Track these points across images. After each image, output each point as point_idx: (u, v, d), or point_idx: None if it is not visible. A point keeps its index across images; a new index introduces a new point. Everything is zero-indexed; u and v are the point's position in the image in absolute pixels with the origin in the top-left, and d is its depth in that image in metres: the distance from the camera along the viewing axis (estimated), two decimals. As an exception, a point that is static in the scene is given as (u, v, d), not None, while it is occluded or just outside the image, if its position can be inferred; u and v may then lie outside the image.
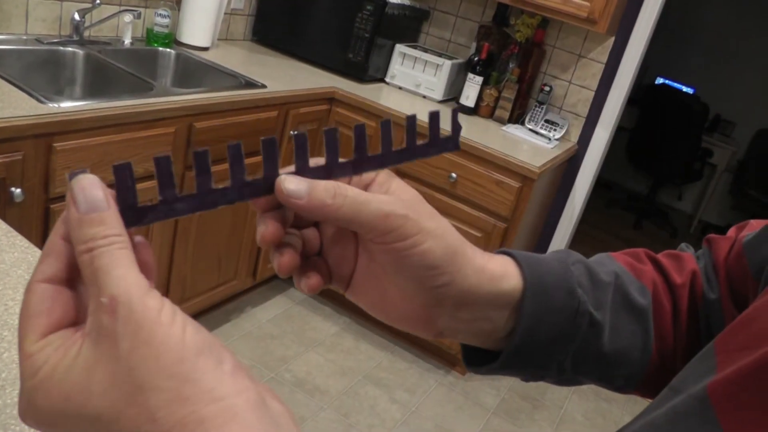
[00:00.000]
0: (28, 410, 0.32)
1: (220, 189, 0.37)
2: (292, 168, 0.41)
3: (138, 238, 0.35)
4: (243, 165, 0.38)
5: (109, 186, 0.34)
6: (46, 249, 0.33)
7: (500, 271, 0.48)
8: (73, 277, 0.34)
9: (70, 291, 0.34)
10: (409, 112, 0.44)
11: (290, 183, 0.39)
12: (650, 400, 0.50)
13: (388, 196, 0.43)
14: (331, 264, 0.47)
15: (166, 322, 0.30)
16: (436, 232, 0.43)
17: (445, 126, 0.42)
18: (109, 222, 0.32)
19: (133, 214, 0.35)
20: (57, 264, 0.33)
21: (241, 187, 0.38)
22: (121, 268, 0.31)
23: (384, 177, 0.44)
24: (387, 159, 0.44)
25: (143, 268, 0.34)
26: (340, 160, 0.42)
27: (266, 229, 0.41)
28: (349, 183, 0.42)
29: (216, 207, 0.38)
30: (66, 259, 0.33)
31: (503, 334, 0.50)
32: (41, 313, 0.32)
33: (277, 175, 0.39)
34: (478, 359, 0.54)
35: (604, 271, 0.54)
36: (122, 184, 0.34)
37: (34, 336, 0.32)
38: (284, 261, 0.43)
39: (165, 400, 0.29)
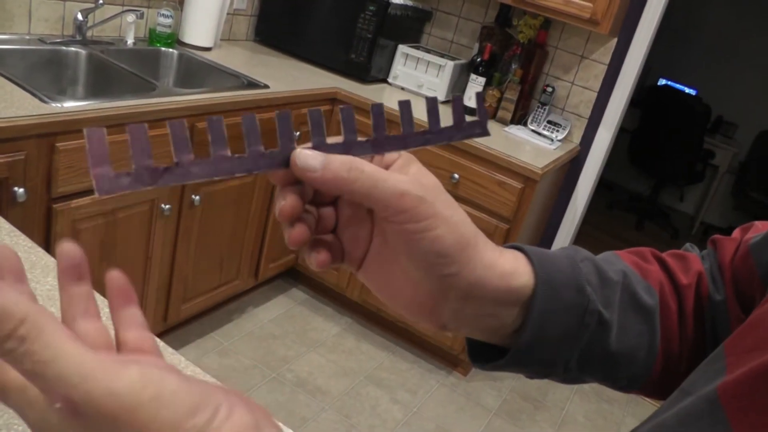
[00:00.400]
0: None
1: (236, 157, 0.38)
2: (310, 144, 0.41)
3: (112, 274, 0.36)
4: (258, 135, 0.39)
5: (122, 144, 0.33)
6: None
7: (510, 268, 0.47)
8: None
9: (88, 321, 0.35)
10: (413, 113, 0.44)
11: (305, 156, 0.40)
12: (651, 401, 0.50)
13: (405, 176, 0.42)
14: (344, 243, 0.47)
15: (147, 397, 0.28)
16: (451, 220, 0.43)
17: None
18: (7, 312, 0.27)
19: (148, 175, 0.35)
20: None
21: (256, 157, 0.39)
22: (56, 361, 0.27)
23: (405, 160, 0.44)
24: (409, 140, 0.44)
25: (117, 293, 0.36)
26: (359, 138, 0.42)
27: (285, 203, 0.42)
28: (369, 162, 0.42)
29: (232, 174, 0.38)
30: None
31: (510, 330, 0.50)
32: None
33: (294, 147, 0.40)
34: (484, 355, 0.53)
35: (612, 270, 0.54)
36: (137, 144, 0.35)
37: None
38: (294, 233, 0.43)
39: None
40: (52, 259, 0.97)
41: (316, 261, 0.45)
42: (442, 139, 0.44)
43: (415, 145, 0.43)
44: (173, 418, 0.28)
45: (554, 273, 0.49)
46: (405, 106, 0.43)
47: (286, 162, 0.40)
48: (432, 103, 0.44)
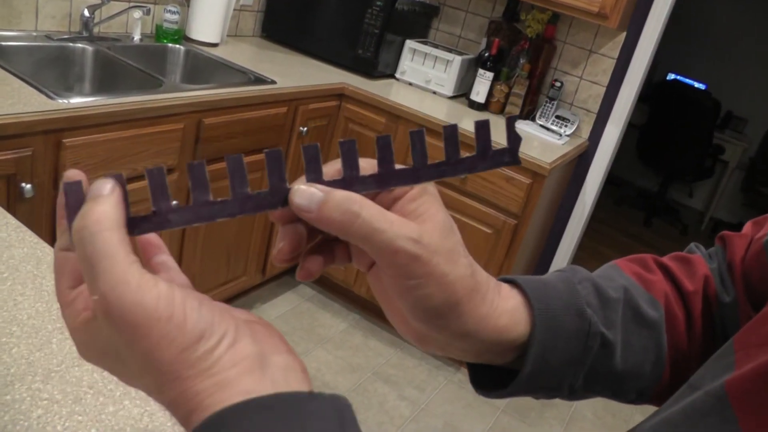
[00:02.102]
0: (80, 350, 0.36)
1: (218, 202, 0.36)
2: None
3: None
4: (244, 177, 0.37)
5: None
6: (60, 227, 0.36)
7: (505, 322, 0.45)
8: None
9: None
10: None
11: (300, 196, 0.37)
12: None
13: (408, 224, 0.39)
14: (352, 250, 0.45)
15: (164, 315, 0.31)
16: (444, 279, 0.40)
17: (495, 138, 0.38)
18: (89, 209, 0.33)
19: (125, 224, 0.34)
20: (69, 238, 0.35)
21: (242, 200, 0.37)
22: (107, 259, 0.32)
23: (418, 191, 0.40)
24: (421, 173, 0.40)
25: (145, 244, 0.38)
26: (362, 174, 0.39)
27: (283, 246, 0.40)
28: (374, 197, 0.39)
29: (214, 220, 0.36)
30: None
31: (511, 358, 0.48)
32: (66, 270, 0.36)
33: (285, 187, 0.37)
34: (486, 378, 0.52)
35: (612, 287, 0.52)
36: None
37: (67, 289, 0.35)
38: (305, 271, 0.42)
39: (167, 380, 0.32)
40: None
41: (302, 273, 0.43)
42: (462, 170, 0.41)
43: (427, 178, 0.40)
44: (181, 340, 0.32)
45: (552, 302, 0.47)
46: (417, 136, 0.40)
47: (276, 203, 0.37)
48: (450, 131, 0.40)
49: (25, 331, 0.78)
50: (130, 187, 0.35)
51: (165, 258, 0.42)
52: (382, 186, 0.39)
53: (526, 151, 2.46)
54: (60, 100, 1.67)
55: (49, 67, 2.17)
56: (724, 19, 5.73)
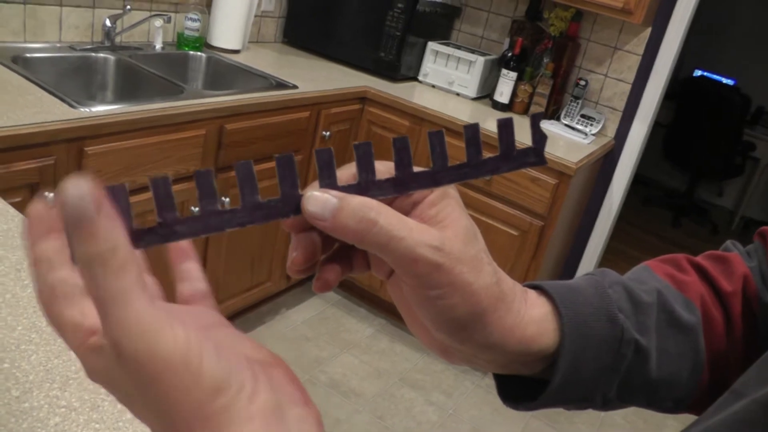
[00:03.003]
0: (87, 372, 0.33)
1: (227, 211, 0.34)
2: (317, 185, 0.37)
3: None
4: (255, 185, 0.35)
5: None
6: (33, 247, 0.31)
7: (532, 333, 0.43)
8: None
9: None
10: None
11: (314, 203, 0.35)
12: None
13: (429, 231, 0.37)
14: (371, 258, 0.42)
15: (179, 366, 0.29)
16: (467, 289, 0.38)
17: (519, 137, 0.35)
18: (101, 233, 0.28)
19: (129, 237, 0.32)
20: (56, 254, 0.31)
21: (252, 209, 0.35)
22: (118, 302, 0.28)
23: (438, 195, 0.38)
24: (440, 176, 0.38)
25: (173, 248, 0.37)
26: (379, 178, 0.37)
27: (296, 256, 0.38)
28: (392, 202, 0.37)
29: (223, 230, 0.35)
30: (60, 247, 0.31)
31: (540, 368, 0.45)
32: (63, 294, 0.31)
33: (297, 194, 0.35)
34: (514, 390, 0.49)
35: (645, 290, 0.49)
36: (117, 205, 0.31)
37: (65, 310, 0.31)
38: (321, 282, 0.40)
39: None
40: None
41: (318, 284, 0.41)
42: (484, 172, 0.38)
43: (447, 181, 0.38)
44: (197, 393, 0.29)
45: (581, 308, 0.45)
46: (436, 137, 0.37)
47: (288, 211, 0.36)
48: (472, 132, 0.38)
49: (44, 339, 0.77)
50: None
51: (191, 266, 0.40)
52: (400, 190, 0.37)
53: (551, 151, 2.42)
54: (82, 109, 1.68)
55: (73, 76, 2.19)
56: (751, 12, 5.63)
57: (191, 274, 0.39)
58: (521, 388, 0.48)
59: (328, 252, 0.41)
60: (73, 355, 0.75)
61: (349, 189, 0.36)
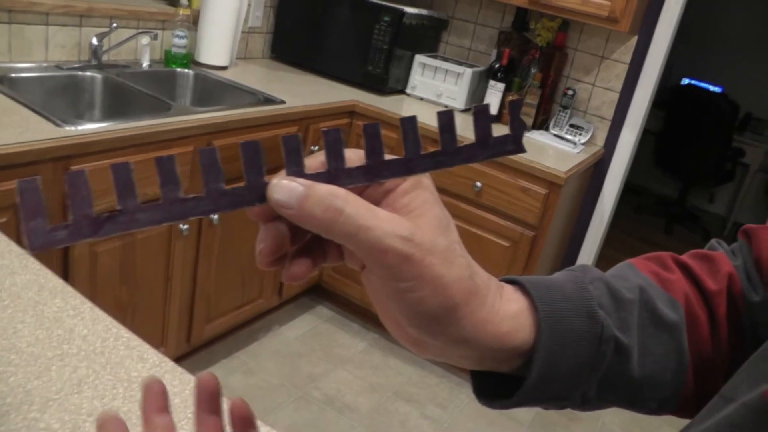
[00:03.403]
0: None
1: (191, 198, 0.33)
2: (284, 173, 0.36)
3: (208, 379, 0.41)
4: (219, 171, 0.34)
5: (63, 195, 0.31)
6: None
7: (507, 328, 0.41)
8: None
9: None
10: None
11: (279, 191, 0.34)
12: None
13: (399, 221, 0.35)
14: (344, 248, 0.40)
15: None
16: (438, 281, 0.36)
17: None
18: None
19: (88, 225, 0.32)
20: None
21: (217, 196, 0.34)
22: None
23: (411, 183, 0.37)
24: (414, 164, 0.36)
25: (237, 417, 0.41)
26: (349, 166, 0.36)
27: (263, 247, 0.37)
28: (363, 191, 0.36)
29: (187, 218, 0.34)
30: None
31: (517, 365, 0.44)
32: None
33: (263, 182, 0.34)
34: (490, 387, 0.47)
35: (627, 287, 0.48)
36: (76, 192, 0.31)
37: None
38: (291, 273, 0.38)
39: None
40: (60, 281, 0.95)
41: (287, 275, 0.39)
42: (461, 160, 0.37)
43: (421, 169, 0.37)
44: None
45: (560, 303, 0.43)
46: (408, 123, 0.36)
47: (254, 199, 0.35)
48: (445, 118, 0.37)
49: (24, 359, 0.76)
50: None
51: (216, 420, 0.42)
52: (371, 179, 0.36)
53: (541, 161, 2.42)
54: (67, 127, 1.67)
55: (60, 96, 2.18)
56: (737, 20, 5.67)
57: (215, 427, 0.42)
58: (498, 385, 0.46)
59: (301, 242, 0.39)
60: (53, 375, 0.74)
61: (317, 177, 0.35)
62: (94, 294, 1.79)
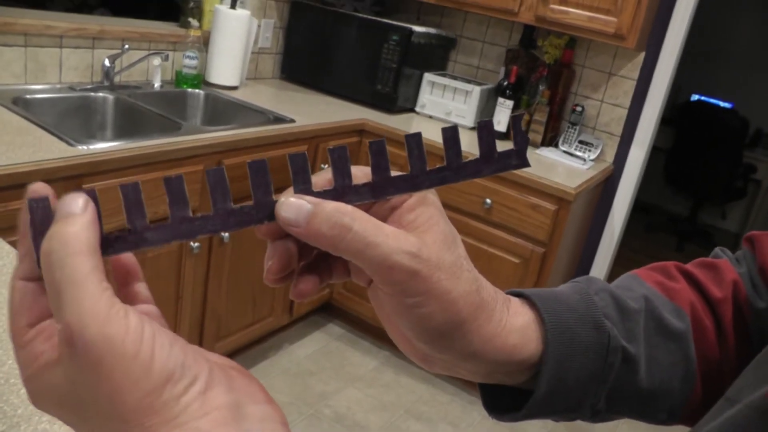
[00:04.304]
0: (33, 398, 0.32)
1: (199, 218, 0.34)
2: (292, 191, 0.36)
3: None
4: (227, 191, 0.34)
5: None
6: (22, 249, 0.32)
7: (514, 341, 0.41)
8: None
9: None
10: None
11: (287, 209, 0.34)
12: None
13: (405, 237, 0.35)
14: (351, 265, 0.41)
15: (130, 352, 0.28)
16: (445, 297, 0.37)
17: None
18: (61, 226, 0.30)
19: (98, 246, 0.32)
20: (32, 262, 0.31)
21: (225, 215, 0.34)
22: (75, 286, 0.29)
23: (417, 200, 0.37)
24: (419, 180, 0.37)
25: (119, 269, 0.34)
26: (356, 183, 0.36)
27: (271, 265, 0.37)
28: (369, 208, 0.37)
29: (195, 237, 0.34)
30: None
31: (525, 378, 0.44)
32: (25, 307, 0.32)
33: (271, 201, 0.35)
34: (499, 400, 0.48)
35: (632, 297, 0.48)
36: None
37: (24, 328, 0.32)
38: (298, 290, 0.39)
39: (129, 429, 0.29)
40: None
41: (294, 293, 0.40)
42: (465, 175, 0.38)
43: (427, 185, 0.37)
44: (146, 382, 0.28)
45: (566, 315, 0.43)
46: (413, 139, 0.37)
47: (262, 217, 0.35)
48: (450, 134, 0.37)
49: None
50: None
51: (140, 287, 0.38)
52: (377, 195, 0.36)
53: (550, 177, 2.42)
54: (80, 147, 1.69)
55: (73, 116, 2.21)
56: (746, 36, 5.67)
57: (143, 295, 0.37)
58: (508, 398, 0.47)
59: (307, 259, 0.40)
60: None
61: (324, 195, 0.35)
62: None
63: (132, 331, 0.28)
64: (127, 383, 0.28)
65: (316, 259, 0.40)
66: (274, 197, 0.35)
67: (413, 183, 0.37)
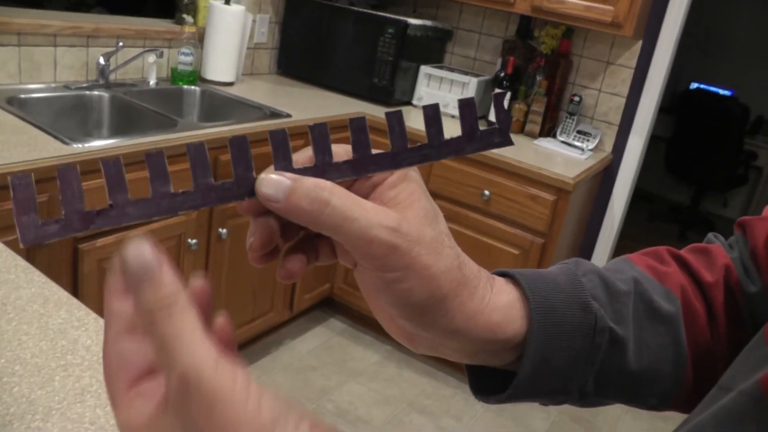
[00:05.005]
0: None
1: (180, 193, 0.34)
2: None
3: (197, 283, 0.34)
4: (207, 166, 0.34)
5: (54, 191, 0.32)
6: (106, 312, 0.33)
7: (498, 318, 0.41)
8: (136, 324, 0.33)
9: (138, 340, 0.33)
10: (405, 124, 0.36)
11: (267, 185, 0.34)
12: None
13: (385, 212, 0.36)
14: (336, 245, 0.41)
15: (241, 397, 0.29)
16: (426, 272, 0.37)
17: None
18: (164, 281, 0.30)
19: (79, 220, 0.32)
20: (120, 322, 0.32)
21: (205, 191, 0.34)
22: (183, 340, 0.30)
23: (399, 177, 0.37)
24: (401, 158, 0.37)
25: (206, 316, 0.34)
26: (337, 160, 0.36)
27: (253, 241, 0.37)
28: (350, 185, 0.37)
29: (176, 212, 0.34)
30: (126, 314, 0.32)
31: (510, 358, 0.44)
32: (122, 369, 0.32)
33: (251, 177, 0.35)
34: (486, 382, 0.47)
35: (622, 279, 0.48)
36: (67, 187, 0.32)
37: (125, 389, 0.32)
38: (285, 270, 0.39)
39: None
40: (65, 293, 0.95)
41: (281, 273, 0.40)
42: (447, 152, 0.38)
43: (408, 163, 0.37)
44: (255, 425, 0.29)
45: (552, 294, 0.43)
46: (394, 117, 0.37)
47: (242, 193, 0.35)
48: (431, 111, 0.37)
49: (28, 370, 0.76)
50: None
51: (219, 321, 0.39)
52: (358, 172, 0.36)
53: (549, 167, 2.42)
54: (75, 145, 1.68)
55: (68, 115, 2.20)
56: (746, 23, 5.65)
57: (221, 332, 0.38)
58: (494, 380, 0.46)
59: (293, 240, 0.40)
60: (57, 385, 0.74)
61: (305, 171, 0.35)
62: (103, 310, 1.79)
63: (240, 379, 0.29)
64: (241, 426, 0.29)
65: (301, 240, 0.40)
66: (254, 174, 0.35)
67: (394, 160, 0.37)
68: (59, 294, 0.95)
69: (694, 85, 5.66)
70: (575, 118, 2.84)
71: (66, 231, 0.32)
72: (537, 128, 2.83)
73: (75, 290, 1.72)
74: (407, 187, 0.37)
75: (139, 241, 0.30)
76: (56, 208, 1.61)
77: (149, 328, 0.30)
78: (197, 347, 0.29)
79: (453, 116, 2.91)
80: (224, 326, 0.36)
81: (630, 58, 2.81)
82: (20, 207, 0.31)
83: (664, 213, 5.75)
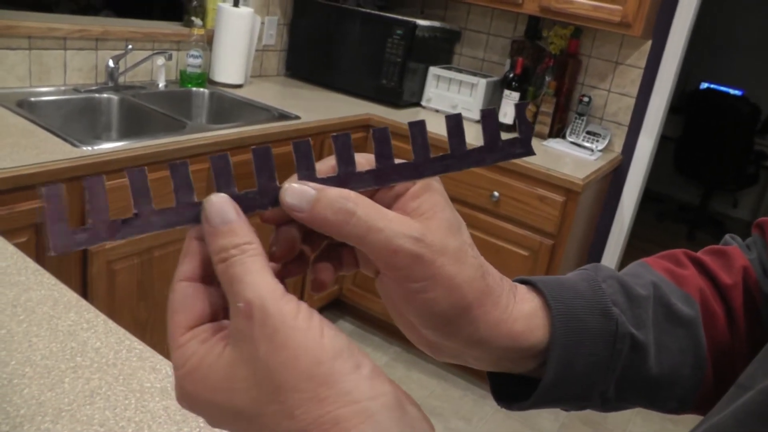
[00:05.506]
0: (181, 396, 0.34)
1: (202, 203, 0.35)
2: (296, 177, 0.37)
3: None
4: (230, 177, 0.35)
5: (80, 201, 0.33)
6: (183, 251, 0.35)
7: (521, 328, 0.41)
8: (209, 273, 0.35)
9: (207, 287, 0.35)
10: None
11: (291, 194, 0.35)
12: None
13: (409, 222, 0.36)
14: (359, 254, 0.41)
15: (303, 326, 0.31)
16: (450, 282, 0.37)
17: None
18: (239, 231, 0.33)
19: (106, 229, 0.33)
20: (193, 264, 0.34)
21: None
22: (253, 275, 0.32)
23: (421, 187, 0.37)
24: (423, 168, 0.37)
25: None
26: (359, 170, 0.36)
27: (275, 250, 0.38)
28: (373, 195, 0.37)
29: (200, 222, 0.35)
30: (200, 259, 0.35)
31: (533, 365, 0.44)
32: (185, 308, 0.34)
33: (275, 186, 0.35)
34: (508, 389, 0.47)
35: (641, 284, 0.47)
36: (94, 197, 0.33)
37: (181, 329, 0.34)
38: (321, 279, 0.40)
39: (303, 400, 0.30)
40: (75, 295, 0.95)
41: (314, 285, 0.40)
42: (469, 163, 0.38)
43: (430, 173, 0.37)
44: (318, 353, 0.30)
45: (573, 301, 0.43)
46: (417, 127, 0.37)
47: (266, 203, 0.36)
48: (453, 122, 0.37)
49: (38, 372, 0.77)
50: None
51: None
52: (380, 182, 0.37)
53: (558, 168, 2.41)
54: (84, 148, 1.69)
55: (78, 118, 2.21)
56: (755, 22, 5.62)
57: None
58: (516, 387, 0.46)
59: (317, 250, 0.40)
60: (66, 387, 0.74)
61: (328, 181, 0.36)
62: (112, 311, 1.80)
63: (304, 310, 0.31)
64: (301, 351, 0.30)
65: (325, 250, 0.41)
66: (278, 183, 0.36)
67: (417, 170, 0.37)
68: (69, 296, 0.95)
69: (704, 85, 5.63)
70: (584, 118, 2.83)
71: (94, 239, 0.34)
72: (546, 129, 2.82)
73: (84, 292, 1.72)
74: (430, 197, 0.37)
75: (219, 197, 0.34)
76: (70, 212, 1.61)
77: (222, 268, 0.32)
78: (264, 281, 0.31)
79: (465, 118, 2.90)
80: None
81: (639, 58, 2.79)
82: (52, 216, 0.33)
83: (673, 213, 5.72)
